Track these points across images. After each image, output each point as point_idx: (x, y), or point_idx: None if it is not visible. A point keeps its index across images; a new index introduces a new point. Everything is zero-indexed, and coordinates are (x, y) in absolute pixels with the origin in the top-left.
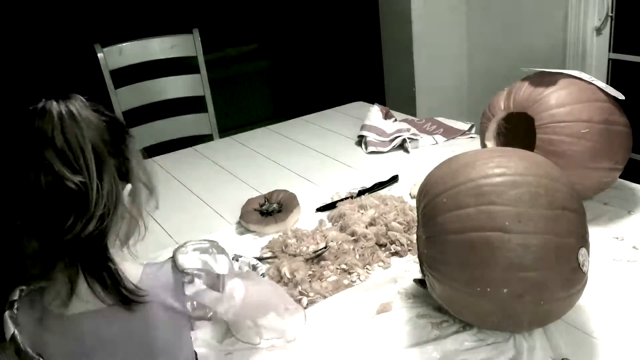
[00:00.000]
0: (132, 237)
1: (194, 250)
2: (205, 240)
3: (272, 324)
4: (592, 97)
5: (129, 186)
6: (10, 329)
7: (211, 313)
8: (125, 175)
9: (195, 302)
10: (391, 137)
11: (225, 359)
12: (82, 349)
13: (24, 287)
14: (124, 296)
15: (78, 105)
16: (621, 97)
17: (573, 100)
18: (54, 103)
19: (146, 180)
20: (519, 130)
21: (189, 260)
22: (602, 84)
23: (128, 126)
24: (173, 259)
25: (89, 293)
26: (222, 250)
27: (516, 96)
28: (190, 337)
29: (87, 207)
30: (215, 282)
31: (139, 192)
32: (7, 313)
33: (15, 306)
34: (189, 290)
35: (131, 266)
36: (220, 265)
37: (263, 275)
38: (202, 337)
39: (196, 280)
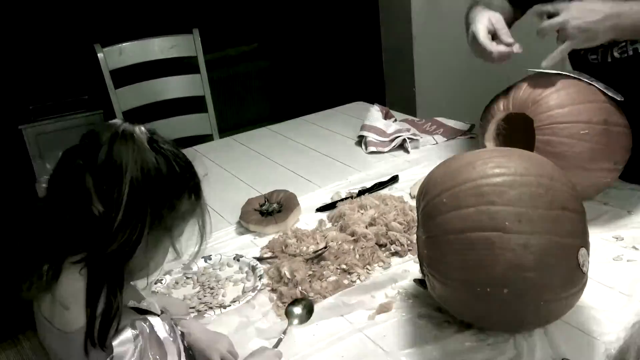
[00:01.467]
0: (132, 279)
1: (135, 334)
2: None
3: None
4: (591, 98)
5: (146, 230)
6: None
7: None
8: (154, 227)
9: None
10: (391, 137)
11: None
12: (49, 347)
13: None
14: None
15: (140, 133)
16: (620, 98)
17: (572, 101)
18: (121, 121)
19: (175, 244)
20: (518, 131)
21: (120, 335)
22: (602, 85)
23: None
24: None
25: (57, 306)
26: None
27: (515, 97)
28: None
29: (105, 234)
30: None
31: (157, 249)
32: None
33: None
34: None
35: None
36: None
37: (261, 277)
38: None
39: None
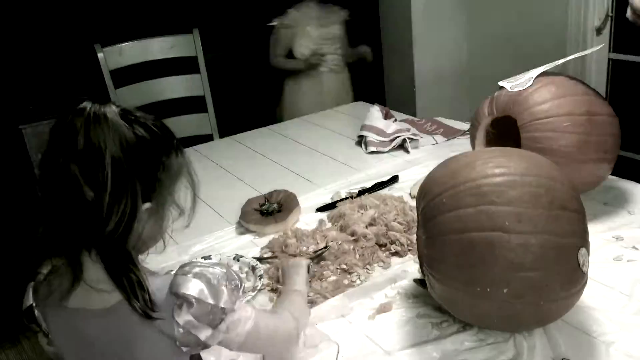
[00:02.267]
0: (146, 248)
1: (196, 274)
2: (215, 265)
3: None
4: (570, 91)
5: (146, 205)
6: (29, 300)
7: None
8: (150, 194)
9: (182, 329)
10: (391, 137)
11: None
12: (75, 342)
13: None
14: (144, 307)
15: (112, 112)
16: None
17: (552, 96)
18: (90, 104)
19: (178, 202)
20: (507, 137)
21: (186, 285)
22: (581, 53)
23: None
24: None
25: (91, 290)
26: (231, 278)
27: (498, 101)
28: None
29: (100, 217)
30: (208, 314)
31: (165, 212)
32: (31, 283)
33: (40, 278)
34: (177, 315)
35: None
36: (220, 298)
37: (261, 277)
38: None
39: (184, 307)
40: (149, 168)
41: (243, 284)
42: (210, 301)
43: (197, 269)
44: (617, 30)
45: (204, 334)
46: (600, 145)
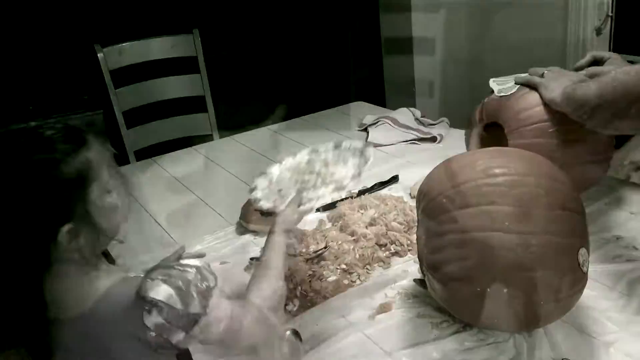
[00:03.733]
0: (112, 237)
1: (165, 280)
2: (186, 265)
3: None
4: None
5: (65, 227)
6: None
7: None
8: (66, 216)
9: (154, 332)
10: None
11: None
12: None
13: None
14: None
15: None
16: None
17: (538, 101)
18: None
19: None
20: (501, 139)
21: (154, 290)
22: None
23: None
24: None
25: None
26: (204, 278)
27: (488, 106)
28: None
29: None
30: (179, 319)
31: (99, 211)
32: None
33: None
34: (147, 320)
35: (101, 281)
36: (190, 304)
37: None
38: None
39: (154, 312)
40: (53, 199)
41: (216, 282)
42: (180, 307)
43: (165, 274)
44: (617, 30)
45: (176, 337)
46: (590, 148)
